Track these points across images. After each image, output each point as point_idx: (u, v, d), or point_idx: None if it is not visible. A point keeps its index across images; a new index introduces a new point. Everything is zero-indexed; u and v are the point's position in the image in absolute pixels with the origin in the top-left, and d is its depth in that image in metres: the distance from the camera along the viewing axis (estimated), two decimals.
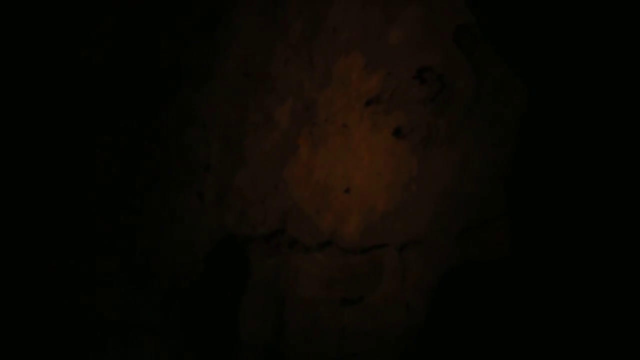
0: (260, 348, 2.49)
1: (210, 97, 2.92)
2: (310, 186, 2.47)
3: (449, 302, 1.99)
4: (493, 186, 1.95)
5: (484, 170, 1.99)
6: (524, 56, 1.94)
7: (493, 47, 2.02)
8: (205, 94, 2.94)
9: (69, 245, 3.20)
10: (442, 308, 2.00)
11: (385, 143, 2.27)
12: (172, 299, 2.84)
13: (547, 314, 1.79)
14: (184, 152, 2.99)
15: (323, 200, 2.42)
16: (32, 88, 3.37)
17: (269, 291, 2.52)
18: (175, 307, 2.82)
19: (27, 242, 3.26)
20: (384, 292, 2.17)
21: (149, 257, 2.99)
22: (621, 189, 1.73)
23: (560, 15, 1.84)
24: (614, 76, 1.76)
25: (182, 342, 2.76)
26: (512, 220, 1.90)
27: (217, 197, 2.80)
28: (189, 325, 2.76)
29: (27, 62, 3.39)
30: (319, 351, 2.29)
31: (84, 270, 3.14)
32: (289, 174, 2.55)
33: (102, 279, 3.08)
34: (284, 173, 2.56)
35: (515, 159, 1.92)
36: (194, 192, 2.89)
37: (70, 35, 3.34)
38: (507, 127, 1.95)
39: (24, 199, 3.31)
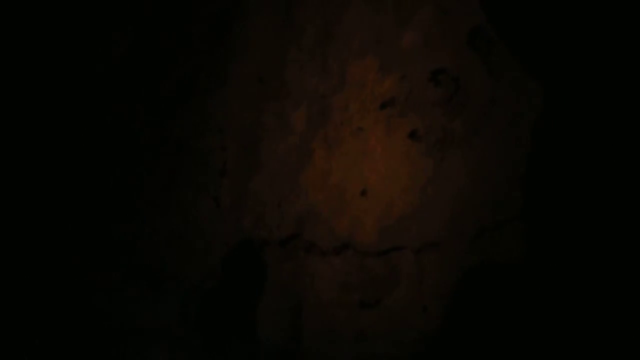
0: (278, 352, 2.49)
1: (225, 102, 2.93)
2: (326, 190, 2.47)
3: (465, 305, 1.99)
4: (509, 188, 1.95)
5: (500, 173, 1.98)
6: (539, 58, 1.93)
7: (508, 48, 2.01)
8: (220, 98, 2.95)
9: (84, 250, 3.21)
10: (459, 311, 2.00)
11: (400, 146, 2.27)
12: (189, 304, 2.85)
13: (563, 317, 1.78)
14: (199, 157, 3.00)
15: (339, 204, 2.42)
16: (48, 92, 3.40)
17: (286, 295, 2.52)
18: (193, 312, 2.83)
19: (41, 248, 3.28)
20: (401, 295, 2.17)
21: (165, 262, 3.00)
22: None
23: (576, 16, 1.83)
24: (632, 77, 1.75)
25: (200, 346, 2.77)
26: (528, 222, 1.89)
27: (233, 201, 2.81)
28: (206, 329, 2.77)
29: (43, 67, 3.41)
30: (336, 354, 2.30)
31: (100, 275, 3.15)
32: (304, 178, 2.55)
33: (118, 284, 3.09)
34: (300, 177, 2.57)
35: (531, 161, 1.91)
36: (210, 197, 2.90)
37: (87, 42, 3.36)
38: (522, 129, 1.95)
39: (38, 204, 3.33)
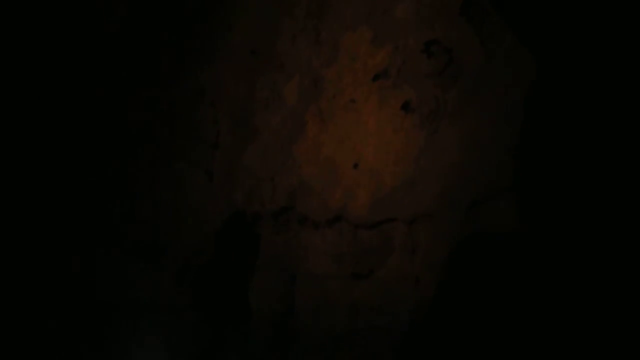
0: (271, 323, 2.50)
1: (217, 75, 2.92)
2: (319, 162, 2.47)
3: (458, 276, 2.00)
4: (501, 159, 1.95)
5: (493, 143, 1.98)
6: (532, 28, 1.93)
7: (501, 19, 2.00)
8: (212, 71, 2.93)
9: (78, 228, 3.21)
10: (451, 281, 2.01)
11: (393, 118, 2.26)
12: (183, 277, 2.85)
13: (556, 286, 1.79)
14: (192, 131, 2.99)
15: (332, 176, 2.41)
16: (38, 70, 3.37)
17: (279, 267, 2.53)
18: (187, 285, 2.83)
19: (36, 228, 3.27)
20: (394, 267, 2.17)
21: (159, 237, 3.00)
22: (633, 163, 1.72)
23: None
24: (625, 50, 1.75)
25: (195, 318, 2.78)
26: (520, 193, 1.90)
27: (225, 174, 2.80)
28: (201, 302, 2.78)
29: (33, 44, 3.39)
30: (329, 326, 2.30)
31: (95, 252, 3.15)
32: (297, 151, 2.55)
33: (113, 260, 3.10)
34: (293, 149, 2.56)
35: (524, 132, 1.91)
36: (202, 171, 2.89)
37: (81, 16, 3.34)
38: (515, 100, 1.95)
39: (31, 183, 3.32)
